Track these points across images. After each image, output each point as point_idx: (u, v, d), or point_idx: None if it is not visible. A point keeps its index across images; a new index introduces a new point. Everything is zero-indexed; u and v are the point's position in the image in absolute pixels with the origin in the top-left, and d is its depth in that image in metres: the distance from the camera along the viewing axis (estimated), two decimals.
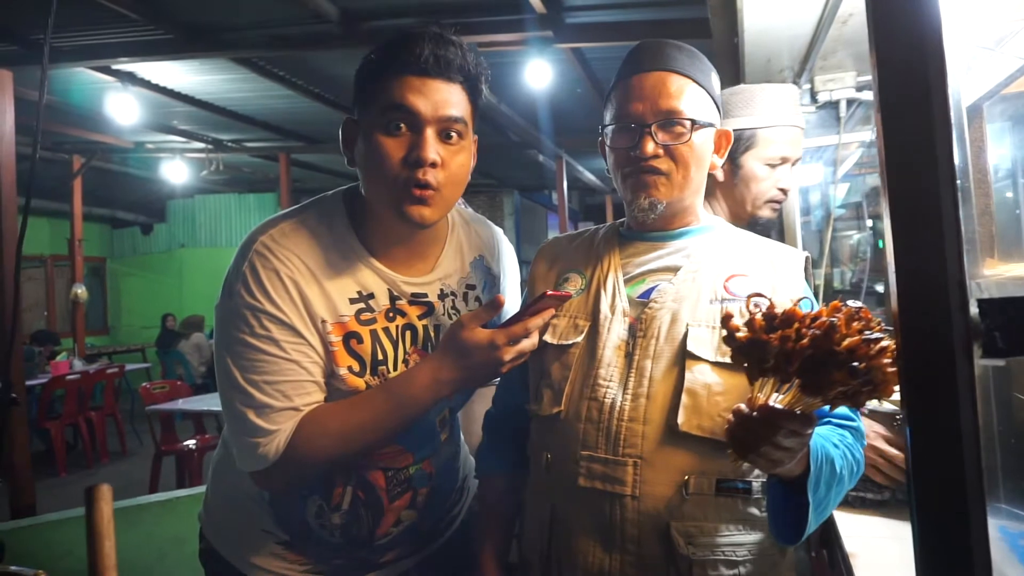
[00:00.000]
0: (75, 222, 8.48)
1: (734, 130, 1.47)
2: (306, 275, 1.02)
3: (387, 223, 1.06)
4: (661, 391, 0.99)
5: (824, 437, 0.95)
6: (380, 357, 1.06)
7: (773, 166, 1.55)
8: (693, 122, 1.03)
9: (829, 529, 1.45)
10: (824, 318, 0.77)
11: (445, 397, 1.05)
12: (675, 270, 1.06)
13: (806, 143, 2.52)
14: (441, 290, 1.15)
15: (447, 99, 1.00)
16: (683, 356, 0.99)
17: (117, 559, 0.61)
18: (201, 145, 7.97)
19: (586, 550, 1.00)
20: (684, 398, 0.97)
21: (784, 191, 1.58)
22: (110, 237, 11.93)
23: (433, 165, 0.98)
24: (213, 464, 1.24)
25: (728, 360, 0.96)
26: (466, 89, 1.04)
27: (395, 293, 1.09)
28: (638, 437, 0.98)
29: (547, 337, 1.09)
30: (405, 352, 1.09)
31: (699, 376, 0.97)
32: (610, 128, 1.08)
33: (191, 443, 4.80)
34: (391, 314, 1.08)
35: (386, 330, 1.07)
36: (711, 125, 1.07)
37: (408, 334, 1.09)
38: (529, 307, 1.02)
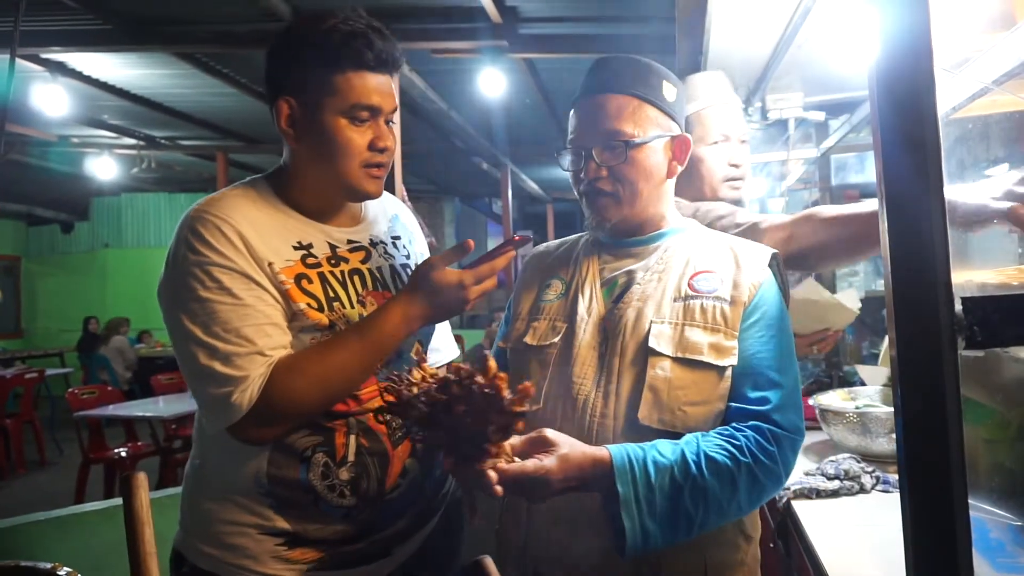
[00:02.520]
0: None
1: None
2: (245, 227, 1.08)
3: (326, 193, 1.17)
4: (626, 386, 1.04)
5: (661, 451, 0.97)
6: (332, 295, 1.12)
7: (715, 144, 1.61)
8: (628, 143, 1.07)
9: (786, 520, 1.54)
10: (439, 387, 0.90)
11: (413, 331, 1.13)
12: (645, 271, 1.12)
13: (757, 158, 2.66)
14: (371, 239, 1.24)
15: (393, 92, 1.15)
16: (645, 352, 1.04)
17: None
18: (132, 141, 7.63)
19: (561, 541, 1.04)
20: (645, 393, 1.02)
21: (737, 166, 1.63)
22: (26, 235, 11.26)
23: (386, 150, 1.14)
24: (190, 480, 1.17)
25: (689, 356, 1.03)
26: (396, 80, 1.18)
27: (332, 242, 1.17)
28: (609, 432, 1.03)
29: (527, 339, 1.15)
30: (358, 294, 1.15)
31: (660, 372, 1.02)
32: (563, 151, 1.15)
33: (122, 451, 4.60)
34: (333, 260, 1.16)
35: (332, 273, 1.14)
36: (658, 137, 1.10)
37: (356, 278, 1.17)
38: (494, 251, 1.11)
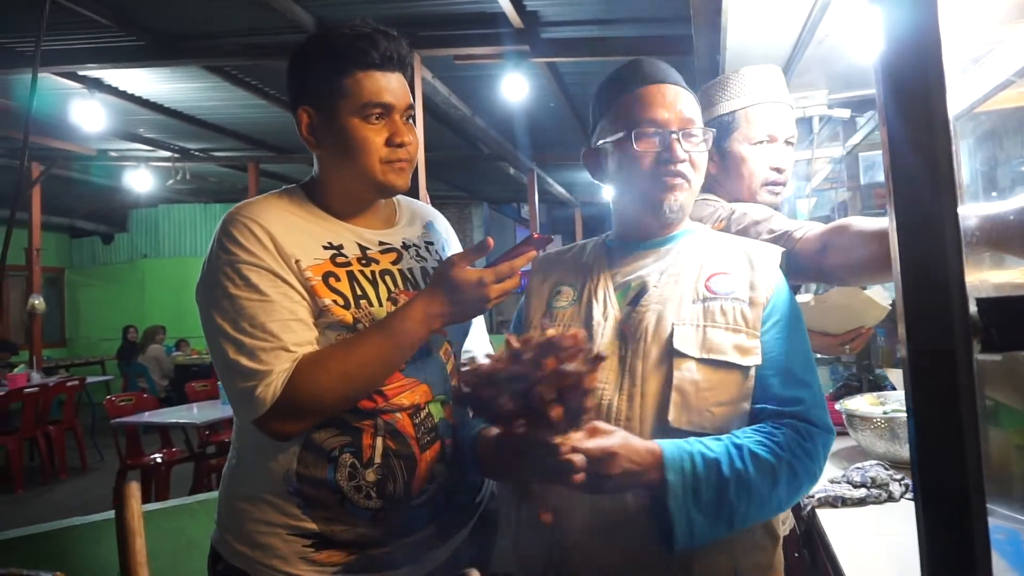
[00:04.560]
0: (33, 231, 8.23)
1: (717, 116, 1.51)
2: (275, 227, 1.12)
3: (354, 194, 1.19)
4: (652, 390, 1.03)
5: (707, 444, 0.97)
6: (359, 293, 1.13)
7: (759, 144, 1.52)
8: (711, 128, 1.13)
9: (811, 529, 1.50)
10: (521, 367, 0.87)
11: (437, 331, 1.13)
12: (660, 274, 1.11)
13: None
14: (403, 241, 1.25)
15: (405, 90, 1.17)
16: (670, 354, 1.03)
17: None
18: (167, 154, 7.83)
19: (591, 549, 1.03)
20: (674, 395, 1.01)
21: (779, 170, 1.53)
22: (69, 247, 11.61)
23: (408, 144, 1.15)
24: (227, 479, 1.21)
25: (714, 356, 1.02)
26: (407, 78, 1.20)
27: (363, 244, 1.19)
28: (635, 436, 1.01)
29: None
30: (389, 292, 1.17)
31: (686, 373, 1.02)
32: (632, 133, 1.09)
33: (158, 457, 4.69)
34: (364, 260, 1.17)
35: (361, 272, 1.16)
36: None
37: (388, 278, 1.18)
38: (514, 250, 1.10)
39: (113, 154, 7.96)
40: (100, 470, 6.26)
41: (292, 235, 1.12)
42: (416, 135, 1.19)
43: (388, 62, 1.14)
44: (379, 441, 1.12)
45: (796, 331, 1.08)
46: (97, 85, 5.38)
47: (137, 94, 5.73)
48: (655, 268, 1.12)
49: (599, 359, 0.89)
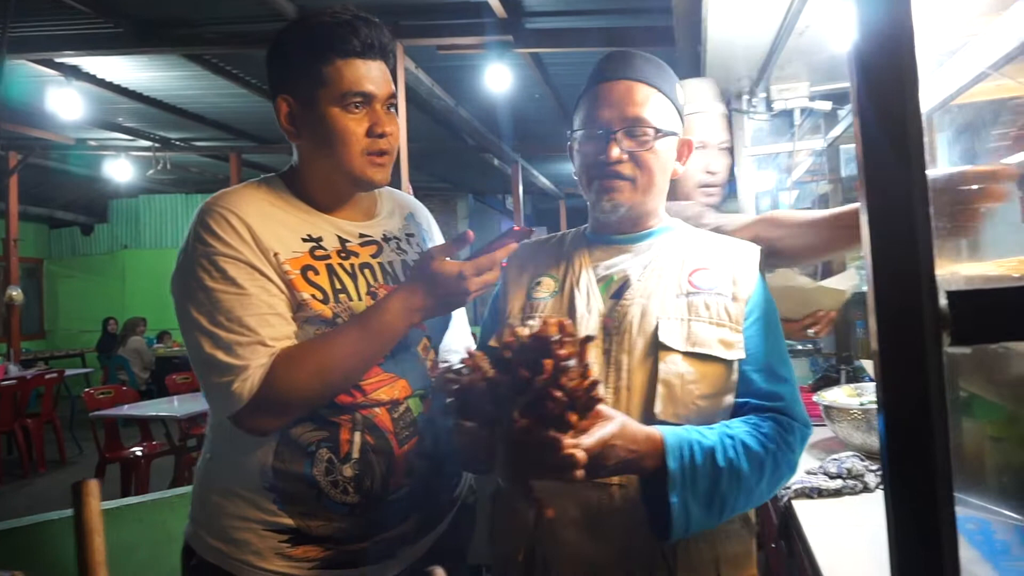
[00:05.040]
0: (10, 221, 8.08)
1: None
2: (253, 218, 1.09)
3: (333, 185, 1.17)
4: (638, 383, 1.03)
5: (703, 433, 0.97)
6: (339, 286, 1.12)
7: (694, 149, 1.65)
8: (656, 130, 1.08)
9: (788, 520, 1.51)
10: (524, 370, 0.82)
11: (417, 325, 1.12)
12: (643, 268, 1.11)
13: (761, 150, 2.61)
14: (384, 234, 1.23)
15: (387, 78, 1.15)
16: (656, 348, 1.04)
17: (66, 571, 0.59)
18: (147, 143, 7.71)
19: (575, 542, 1.02)
20: (660, 388, 1.02)
21: (712, 173, 1.67)
22: (48, 237, 11.43)
23: (389, 135, 1.13)
24: (200, 473, 1.20)
25: (699, 350, 1.03)
26: (389, 66, 1.17)
27: (343, 236, 1.17)
28: None
29: None
30: (369, 286, 1.15)
31: (672, 366, 1.02)
32: (579, 133, 1.13)
33: (137, 450, 4.65)
34: (343, 253, 1.15)
35: (341, 266, 1.14)
36: (674, 134, 1.12)
37: (367, 271, 1.16)
38: (494, 242, 1.09)
39: (92, 143, 7.83)
40: (79, 463, 6.20)
41: (270, 227, 1.10)
42: (398, 125, 1.17)
43: (369, 50, 1.11)
44: (357, 436, 1.10)
45: (774, 327, 1.10)
46: (74, 72, 5.28)
47: (115, 82, 5.63)
48: (636, 262, 1.12)
49: (588, 339, 0.85)
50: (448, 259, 1.08)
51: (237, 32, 4.40)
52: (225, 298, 1.04)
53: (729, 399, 1.05)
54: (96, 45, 4.55)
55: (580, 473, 0.84)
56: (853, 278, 1.72)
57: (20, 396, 5.96)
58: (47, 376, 6.44)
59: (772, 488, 1.02)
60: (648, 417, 1.01)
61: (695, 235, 1.18)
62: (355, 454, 1.10)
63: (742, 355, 1.04)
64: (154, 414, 4.51)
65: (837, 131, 2.40)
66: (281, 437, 1.09)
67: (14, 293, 7.84)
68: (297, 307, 1.09)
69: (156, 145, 7.76)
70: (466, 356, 0.88)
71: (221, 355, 1.03)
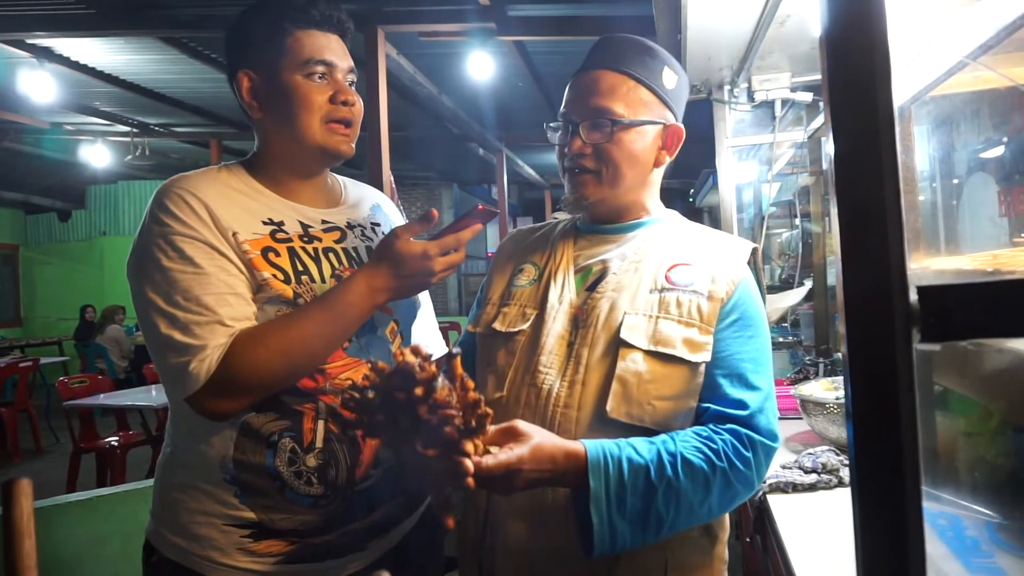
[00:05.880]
0: None
1: None
2: (212, 199, 1.07)
3: (296, 161, 1.15)
4: (594, 378, 1.01)
5: (637, 449, 0.93)
6: (300, 268, 1.10)
7: None
8: (615, 121, 1.04)
9: (762, 515, 1.50)
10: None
11: (381, 307, 1.10)
12: (622, 260, 1.08)
13: (742, 141, 2.59)
14: (348, 222, 1.21)
15: (346, 52, 1.15)
16: (617, 344, 1.00)
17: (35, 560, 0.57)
18: (125, 128, 7.56)
19: (519, 535, 1.01)
20: (615, 385, 0.99)
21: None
22: (24, 223, 11.23)
23: (351, 105, 1.13)
24: (161, 466, 1.17)
25: (661, 349, 0.99)
26: (346, 44, 1.18)
27: (305, 222, 1.15)
28: (572, 423, 1.00)
29: (496, 324, 1.12)
30: (333, 269, 1.13)
31: (631, 364, 0.99)
32: (551, 125, 1.12)
33: (113, 440, 4.58)
34: (305, 238, 1.14)
35: (303, 249, 1.12)
36: (650, 123, 1.07)
37: (332, 255, 1.15)
38: (459, 221, 1.07)
39: (68, 128, 7.67)
40: (55, 452, 6.12)
41: (230, 209, 1.08)
42: (361, 101, 1.16)
43: (327, 21, 1.12)
44: (320, 425, 1.08)
45: (754, 331, 1.04)
46: (47, 55, 5.14)
47: (91, 65, 5.50)
48: (617, 253, 1.09)
49: (451, 356, 0.87)
50: (413, 239, 1.06)
51: (211, 15, 4.31)
52: (182, 278, 1.02)
53: (692, 403, 1.00)
54: (68, 26, 4.43)
55: (470, 482, 0.84)
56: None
57: None
58: (21, 364, 6.34)
59: (725, 505, 0.98)
60: (600, 414, 0.98)
61: (686, 229, 1.13)
62: (319, 443, 1.07)
63: (708, 358, 0.99)
64: (130, 403, 4.45)
65: (818, 122, 2.39)
66: (241, 428, 1.06)
67: None
68: (258, 288, 1.06)
69: (135, 130, 7.62)
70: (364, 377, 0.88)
71: (178, 335, 1.00)
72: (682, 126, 1.11)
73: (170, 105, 6.60)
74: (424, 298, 1.32)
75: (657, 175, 1.13)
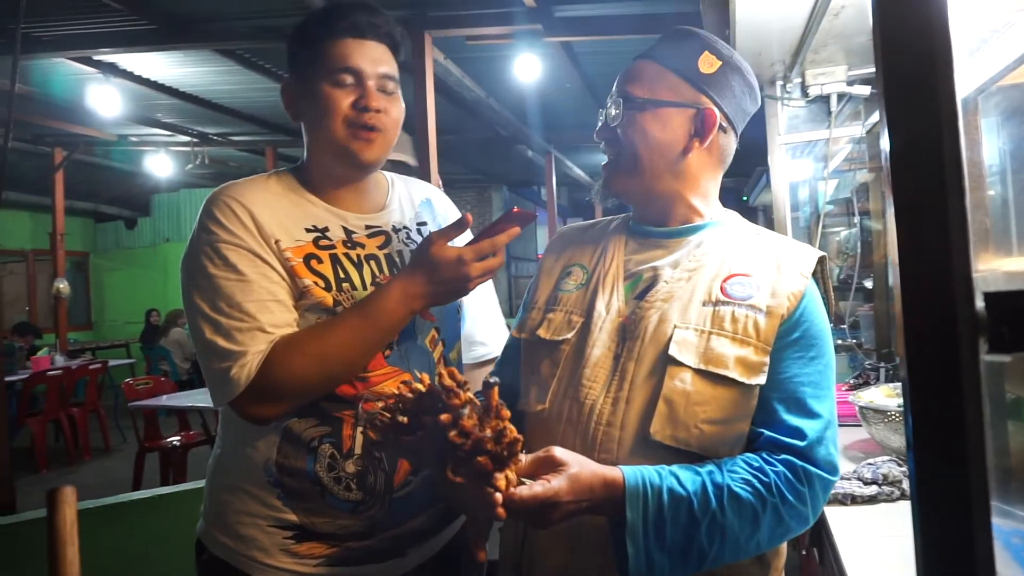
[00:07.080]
0: (57, 216, 8.34)
1: None
2: (257, 207, 1.10)
3: (333, 168, 1.16)
4: (640, 396, 0.94)
5: (680, 479, 0.87)
6: (343, 275, 1.11)
7: None
8: (629, 101, 1.00)
9: (820, 527, 1.44)
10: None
11: (423, 314, 1.11)
12: (674, 268, 1.00)
13: (796, 138, 2.51)
14: (393, 225, 1.22)
15: (381, 57, 1.14)
16: (664, 360, 0.93)
17: (99, 558, 0.58)
18: (186, 138, 7.85)
19: (555, 552, 0.97)
20: (660, 405, 0.92)
21: None
22: (93, 231, 11.76)
23: (377, 111, 1.11)
24: (211, 468, 1.20)
25: (712, 369, 0.92)
26: (392, 50, 1.17)
27: (349, 228, 1.16)
28: (614, 443, 0.94)
29: (541, 331, 1.06)
30: (373, 276, 1.14)
31: (679, 384, 0.92)
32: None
33: (175, 439, 4.74)
34: (349, 244, 1.15)
35: (346, 255, 1.13)
36: (672, 104, 0.99)
37: (372, 262, 1.15)
38: (495, 225, 1.05)
39: (133, 139, 8.01)
40: (123, 451, 6.37)
41: (274, 215, 1.10)
42: (397, 108, 1.15)
43: (365, 29, 1.13)
44: (359, 432, 1.09)
45: (817, 351, 0.95)
46: (112, 70, 5.38)
47: (152, 78, 5.72)
48: (669, 260, 1.01)
49: (489, 386, 0.85)
50: (448, 244, 1.05)
51: (266, 26, 4.43)
52: (226, 284, 1.05)
53: (743, 426, 0.93)
54: (130, 42, 4.63)
55: (501, 512, 0.81)
56: None
57: (66, 386, 6.15)
58: (92, 366, 6.63)
59: (775, 540, 0.91)
60: (643, 435, 0.92)
61: (747, 234, 1.03)
62: (357, 450, 1.09)
63: (763, 380, 0.92)
64: (190, 404, 4.59)
65: (876, 117, 2.29)
66: (284, 433, 1.08)
67: (61, 286, 8.10)
68: (299, 295, 1.08)
69: (195, 140, 7.90)
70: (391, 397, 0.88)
71: (221, 341, 1.03)
72: (716, 111, 0.99)
73: (227, 115, 6.82)
74: (488, 290, 1.32)
75: (698, 167, 1.02)
